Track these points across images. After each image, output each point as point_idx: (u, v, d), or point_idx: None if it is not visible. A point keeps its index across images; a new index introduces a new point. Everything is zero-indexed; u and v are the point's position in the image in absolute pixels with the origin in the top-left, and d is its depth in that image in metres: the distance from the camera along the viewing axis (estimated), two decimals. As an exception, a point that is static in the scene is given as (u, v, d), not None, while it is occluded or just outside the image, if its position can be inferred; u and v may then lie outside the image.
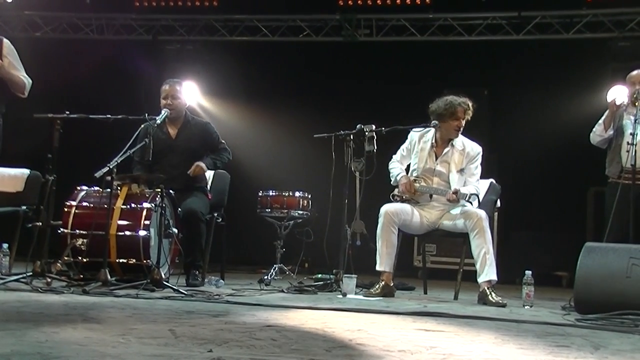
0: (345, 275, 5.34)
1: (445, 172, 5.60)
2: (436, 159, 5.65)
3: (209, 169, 5.90)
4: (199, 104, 9.91)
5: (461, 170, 5.57)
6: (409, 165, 5.82)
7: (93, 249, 4.90)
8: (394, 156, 5.87)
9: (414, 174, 5.70)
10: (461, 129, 5.61)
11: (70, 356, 2.20)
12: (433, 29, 9.48)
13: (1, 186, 5.94)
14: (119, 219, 5.06)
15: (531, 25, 9.19)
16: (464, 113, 5.56)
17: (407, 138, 5.85)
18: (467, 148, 5.63)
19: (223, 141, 6.10)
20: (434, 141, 5.67)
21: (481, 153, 5.67)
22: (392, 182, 5.79)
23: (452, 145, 5.63)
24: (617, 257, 4.41)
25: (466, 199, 5.33)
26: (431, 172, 5.63)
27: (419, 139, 5.75)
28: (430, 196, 5.61)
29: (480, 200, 5.49)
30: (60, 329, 2.78)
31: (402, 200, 5.64)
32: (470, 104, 5.59)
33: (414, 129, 5.78)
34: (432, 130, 5.67)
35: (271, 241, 6.74)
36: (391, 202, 5.66)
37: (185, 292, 4.62)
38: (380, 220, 5.46)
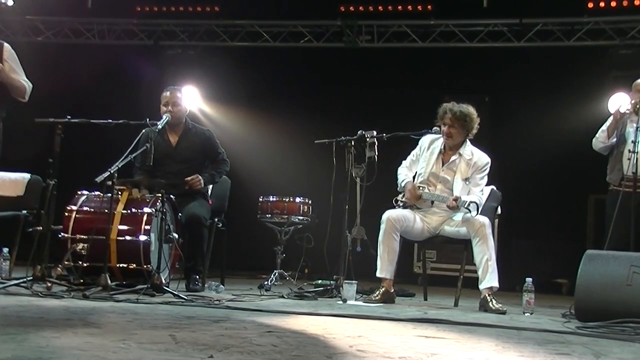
0: (346, 281, 5.34)
1: (449, 180, 5.59)
2: (443, 165, 5.64)
3: (206, 184, 5.90)
4: (200, 109, 9.92)
5: (466, 179, 5.55)
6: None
7: (93, 254, 4.90)
8: (403, 161, 5.86)
9: (420, 179, 5.69)
10: (451, 136, 5.55)
11: (71, 361, 2.20)
12: (434, 35, 9.49)
13: (2, 190, 5.94)
14: (120, 224, 5.06)
15: (532, 32, 9.20)
16: (450, 120, 5.51)
17: (417, 144, 5.83)
18: (475, 158, 5.61)
19: (223, 151, 6.09)
20: (442, 147, 5.67)
21: (489, 164, 5.63)
22: (398, 188, 5.79)
23: (460, 154, 5.60)
24: (618, 264, 4.41)
25: (465, 206, 5.32)
26: (436, 177, 5.63)
27: (429, 144, 5.74)
28: (432, 202, 5.61)
29: (480, 209, 5.48)
30: (60, 333, 2.78)
31: (405, 206, 5.64)
32: (459, 111, 5.50)
33: (418, 136, 5.77)
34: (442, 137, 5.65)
35: (271, 247, 6.72)
36: (394, 206, 5.66)
37: (186, 297, 4.62)
38: (382, 226, 5.46)
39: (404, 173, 5.79)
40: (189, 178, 5.73)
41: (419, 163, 5.76)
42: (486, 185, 5.90)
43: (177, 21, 9.96)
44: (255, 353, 2.56)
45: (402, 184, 5.72)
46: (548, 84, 9.12)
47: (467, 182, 5.56)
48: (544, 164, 8.98)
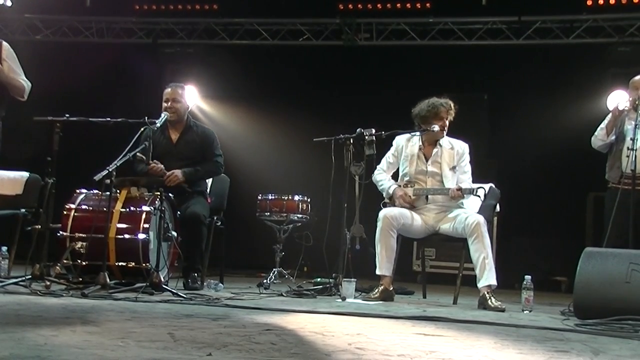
0: (345, 279, 5.34)
1: (438, 172, 5.65)
2: (426, 160, 5.68)
3: (187, 178, 5.75)
4: (199, 107, 9.92)
5: (453, 168, 5.64)
6: (396, 173, 5.84)
7: (92, 252, 4.90)
8: (378, 166, 5.86)
9: (405, 179, 5.72)
10: (445, 129, 5.66)
11: (69, 359, 2.19)
12: (433, 33, 9.51)
13: (0, 189, 5.93)
14: (118, 222, 5.06)
15: (531, 30, 9.21)
16: (446, 113, 5.63)
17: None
18: (456, 146, 5.71)
19: (219, 153, 6.04)
20: (421, 144, 5.73)
21: (468, 150, 5.74)
22: (384, 195, 5.78)
23: (440, 145, 5.68)
24: (617, 262, 4.41)
25: (474, 193, 5.38)
26: (423, 173, 5.67)
27: (406, 143, 5.80)
28: (426, 198, 5.61)
29: (487, 193, 5.52)
30: (59, 332, 2.78)
31: (399, 206, 5.64)
32: (452, 104, 5.67)
33: (412, 133, 5.78)
34: (416, 135, 5.72)
35: (270, 245, 6.72)
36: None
37: (185, 296, 4.61)
38: (379, 224, 5.46)
39: (387, 178, 5.81)
40: (165, 176, 5.65)
41: (401, 164, 5.80)
42: (484, 182, 5.91)
43: (176, 19, 9.97)
44: (254, 351, 2.56)
45: (390, 191, 5.72)
46: (547, 82, 9.13)
47: (455, 171, 5.63)
48: (543, 162, 8.99)
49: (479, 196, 5.40)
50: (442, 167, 5.63)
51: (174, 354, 2.41)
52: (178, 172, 5.70)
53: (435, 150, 5.68)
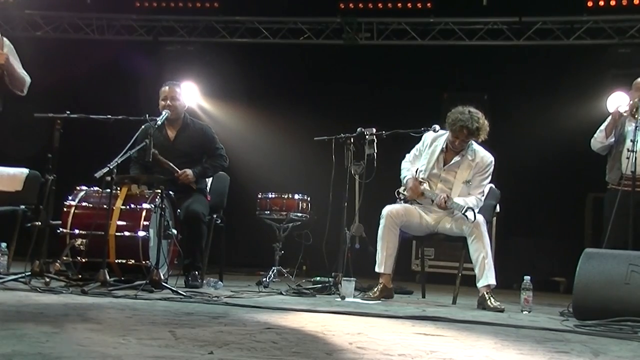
0: (344, 278, 5.34)
1: (450, 180, 5.53)
2: (444, 165, 5.57)
3: (198, 177, 5.85)
4: (199, 105, 9.92)
5: (467, 182, 5.49)
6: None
7: (92, 249, 4.90)
8: (407, 155, 5.80)
9: (421, 175, 5.62)
10: (462, 148, 5.48)
11: (72, 356, 2.19)
12: (434, 33, 9.50)
13: (0, 185, 5.92)
14: (119, 220, 5.05)
15: (532, 30, 9.21)
16: (465, 136, 5.38)
17: (416, 141, 5.77)
18: (477, 158, 5.52)
19: (221, 147, 6.08)
20: (444, 146, 5.57)
21: (492, 164, 5.56)
22: (403, 182, 5.72)
23: (463, 155, 5.51)
24: (616, 263, 4.41)
25: (462, 211, 5.28)
26: (437, 177, 5.57)
27: (431, 141, 5.64)
28: (432, 200, 5.60)
29: (476, 214, 5.42)
30: (60, 329, 2.78)
31: (406, 200, 5.63)
32: (479, 129, 5.38)
33: (417, 134, 5.75)
34: (446, 134, 5.54)
35: (270, 243, 6.73)
36: (395, 200, 5.63)
37: (184, 294, 4.61)
38: (382, 221, 5.45)
39: (407, 168, 5.72)
40: (177, 174, 5.72)
41: (421, 159, 5.71)
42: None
43: (177, 17, 9.96)
44: (255, 349, 2.56)
45: (404, 180, 5.68)
46: (547, 83, 9.14)
47: (469, 184, 5.49)
48: (543, 162, 9.00)
49: (466, 216, 5.29)
50: (456, 177, 5.51)
51: (176, 352, 2.41)
52: (190, 172, 5.74)
53: (456, 158, 5.51)
